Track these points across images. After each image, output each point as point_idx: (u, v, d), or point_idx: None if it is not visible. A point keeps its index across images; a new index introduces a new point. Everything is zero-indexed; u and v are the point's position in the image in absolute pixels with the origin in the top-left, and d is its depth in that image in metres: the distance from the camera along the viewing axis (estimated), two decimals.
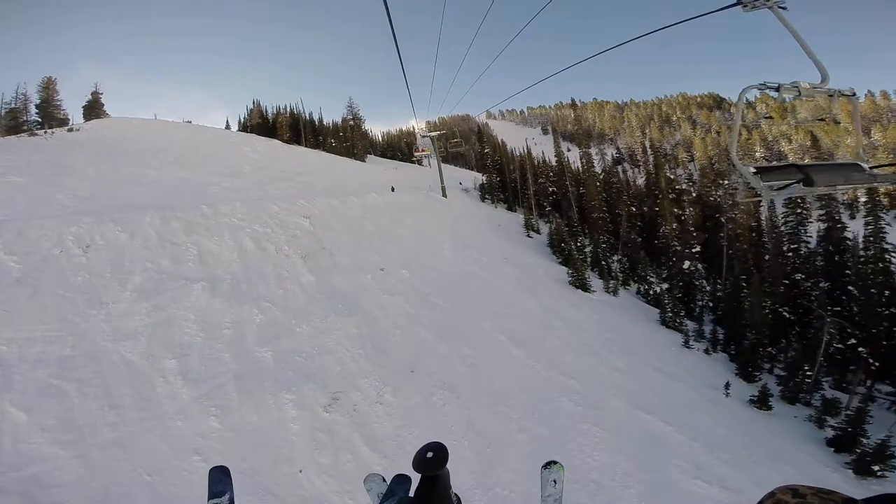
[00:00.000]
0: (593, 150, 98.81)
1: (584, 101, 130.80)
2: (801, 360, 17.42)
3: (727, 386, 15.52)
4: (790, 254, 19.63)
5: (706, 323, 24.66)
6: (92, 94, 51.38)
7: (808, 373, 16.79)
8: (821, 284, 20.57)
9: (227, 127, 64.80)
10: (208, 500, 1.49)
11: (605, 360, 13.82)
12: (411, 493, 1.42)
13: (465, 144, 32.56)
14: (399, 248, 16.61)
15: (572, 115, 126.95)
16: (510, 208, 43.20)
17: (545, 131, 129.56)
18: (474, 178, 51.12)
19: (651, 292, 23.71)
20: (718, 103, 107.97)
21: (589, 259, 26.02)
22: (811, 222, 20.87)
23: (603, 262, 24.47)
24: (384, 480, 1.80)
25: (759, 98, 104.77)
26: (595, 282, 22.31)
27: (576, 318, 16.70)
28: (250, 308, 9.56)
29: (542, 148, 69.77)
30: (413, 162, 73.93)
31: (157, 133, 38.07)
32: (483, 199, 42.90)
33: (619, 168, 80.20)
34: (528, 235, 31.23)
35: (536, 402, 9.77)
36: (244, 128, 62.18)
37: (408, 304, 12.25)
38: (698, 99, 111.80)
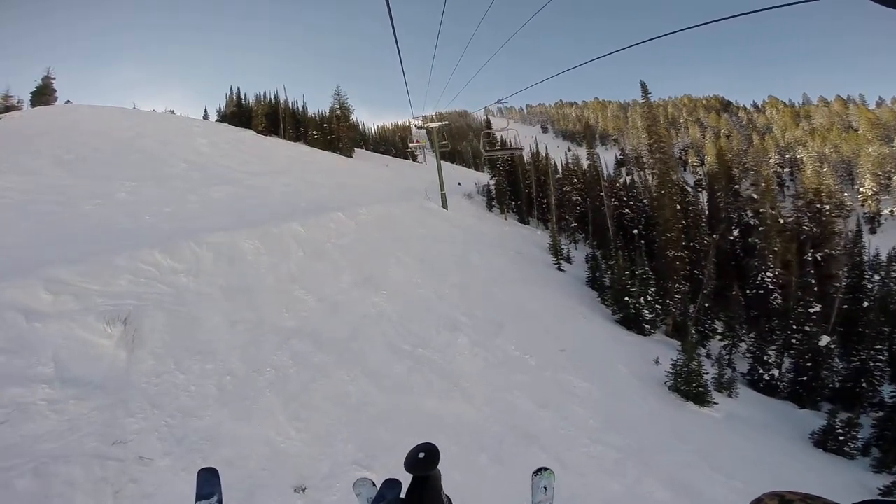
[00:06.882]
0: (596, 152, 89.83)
1: (587, 100, 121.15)
2: None
3: None
4: None
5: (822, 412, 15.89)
6: (43, 79, 40.97)
7: None
8: None
9: (206, 117, 54.64)
10: (196, 501, 1.23)
11: None
12: (402, 496, 1.13)
13: (515, 143, 18.70)
14: (362, 373, 7.01)
15: (573, 113, 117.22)
16: (522, 220, 33.91)
17: (545, 130, 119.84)
18: (477, 179, 41.67)
19: (767, 378, 14.67)
20: (725, 106, 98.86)
21: (643, 300, 16.81)
22: None
23: (693, 330, 15.30)
24: (374, 485, 1.49)
25: (767, 102, 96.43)
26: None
27: (728, 497, 7.45)
28: None
29: (545, 147, 60.69)
30: (409, 155, 64.11)
31: (98, 123, 27.64)
32: (490, 207, 33.51)
33: (624, 170, 70.72)
34: (559, 268, 21.92)
35: None
36: (223, 118, 52.20)
37: None
38: (704, 101, 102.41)
